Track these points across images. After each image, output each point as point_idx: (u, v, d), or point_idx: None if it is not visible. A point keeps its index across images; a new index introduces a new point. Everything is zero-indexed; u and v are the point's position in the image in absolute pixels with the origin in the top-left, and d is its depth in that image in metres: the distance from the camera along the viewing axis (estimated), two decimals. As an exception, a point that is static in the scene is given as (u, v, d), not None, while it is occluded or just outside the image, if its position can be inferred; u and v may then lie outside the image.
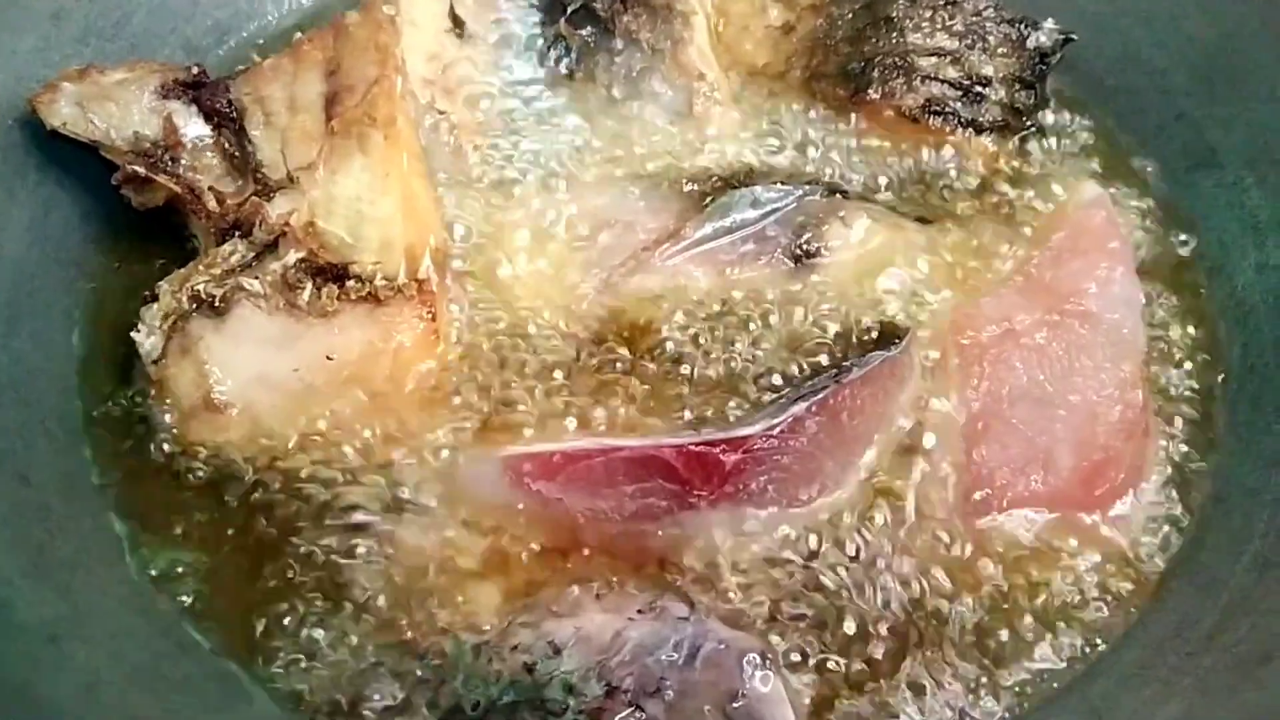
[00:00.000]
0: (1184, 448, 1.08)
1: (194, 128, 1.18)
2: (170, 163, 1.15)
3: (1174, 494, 1.05)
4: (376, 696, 0.90)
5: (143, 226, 1.18)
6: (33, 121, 1.14)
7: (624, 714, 0.85)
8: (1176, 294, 1.17)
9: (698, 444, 0.99)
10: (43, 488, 0.99)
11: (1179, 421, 1.09)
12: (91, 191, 1.18)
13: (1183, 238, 1.21)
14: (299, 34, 1.31)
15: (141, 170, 1.14)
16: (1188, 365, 1.13)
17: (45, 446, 1.02)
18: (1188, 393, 1.11)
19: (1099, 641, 0.97)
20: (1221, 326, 1.15)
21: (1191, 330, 1.15)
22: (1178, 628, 0.95)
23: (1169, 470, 1.06)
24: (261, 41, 1.38)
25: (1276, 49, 1.18)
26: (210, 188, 1.14)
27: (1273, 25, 1.19)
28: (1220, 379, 1.12)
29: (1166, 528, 1.03)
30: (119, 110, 1.17)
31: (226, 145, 1.18)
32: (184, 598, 0.97)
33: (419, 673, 0.91)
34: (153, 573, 0.99)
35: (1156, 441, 1.06)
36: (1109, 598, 0.99)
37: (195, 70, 1.21)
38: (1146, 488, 1.04)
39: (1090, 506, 1.02)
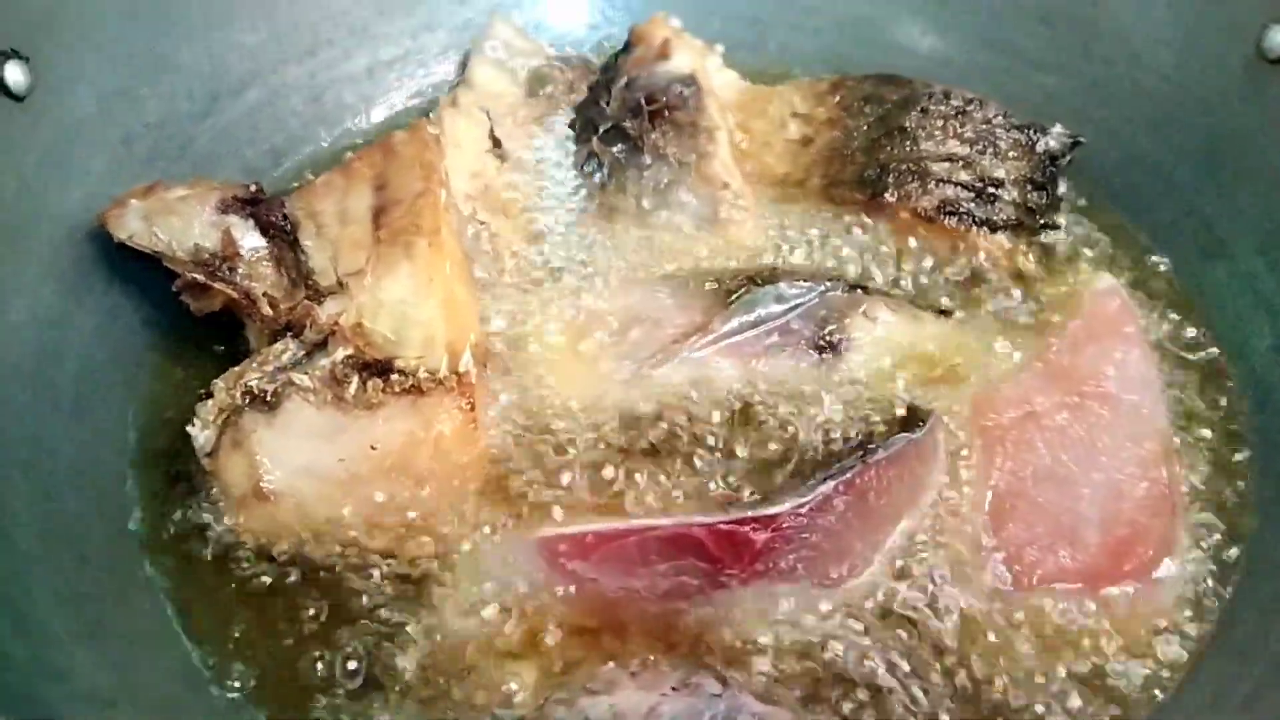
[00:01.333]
0: (1212, 522, 1.09)
1: (250, 240, 1.25)
2: (228, 271, 1.22)
3: (1204, 568, 1.05)
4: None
5: (200, 331, 1.25)
6: (101, 235, 1.22)
7: (659, 786, 0.86)
8: (1196, 377, 1.20)
9: (728, 523, 1.01)
10: (100, 569, 1.03)
11: (1206, 497, 1.10)
12: (152, 299, 1.25)
13: (1198, 323, 1.25)
14: (348, 154, 1.41)
15: (201, 278, 1.21)
16: (1211, 444, 1.15)
17: (103, 532, 1.07)
18: (1213, 470, 1.13)
19: (1136, 716, 0.96)
20: (1242, 406, 1.17)
21: (1213, 410, 1.17)
22: (1214, 700, 0.95)
23: (1198, 545, 1.06)
24: (313, 164, 1.47)
25: (1276, 142, 1.23)
26: (264, 293, 1.21)
27: (1271, 121, 1.25)
28: (1244, 456, 1.13)
29: (1198, 601, 1.03)
30: (181, 224, 1.24)
31: (280, 255, 1.25)
32: (233, 680, 1.00)
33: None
34: (204, 654, 1.01)
35: (1184, 517, 1.07)
36: (1143, 672, 0.99)
37: (253, 188, 1.29)
38: (1176, 562, 1.04)
39: (1121, 581, 1.03)
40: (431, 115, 1.49)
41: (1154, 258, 1.32)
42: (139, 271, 1.24)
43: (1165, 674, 0.99)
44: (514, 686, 0.96)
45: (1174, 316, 1.26)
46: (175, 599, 1.05)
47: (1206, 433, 1.16)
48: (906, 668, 0.99)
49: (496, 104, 1.50)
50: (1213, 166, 1.30)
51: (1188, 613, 1.02)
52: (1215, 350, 1.22)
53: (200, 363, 1.24)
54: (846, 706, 0.96)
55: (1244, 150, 1.27)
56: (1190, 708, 0.95)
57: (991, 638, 1.01)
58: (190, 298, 1.23)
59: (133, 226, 1.23)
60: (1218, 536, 1.08)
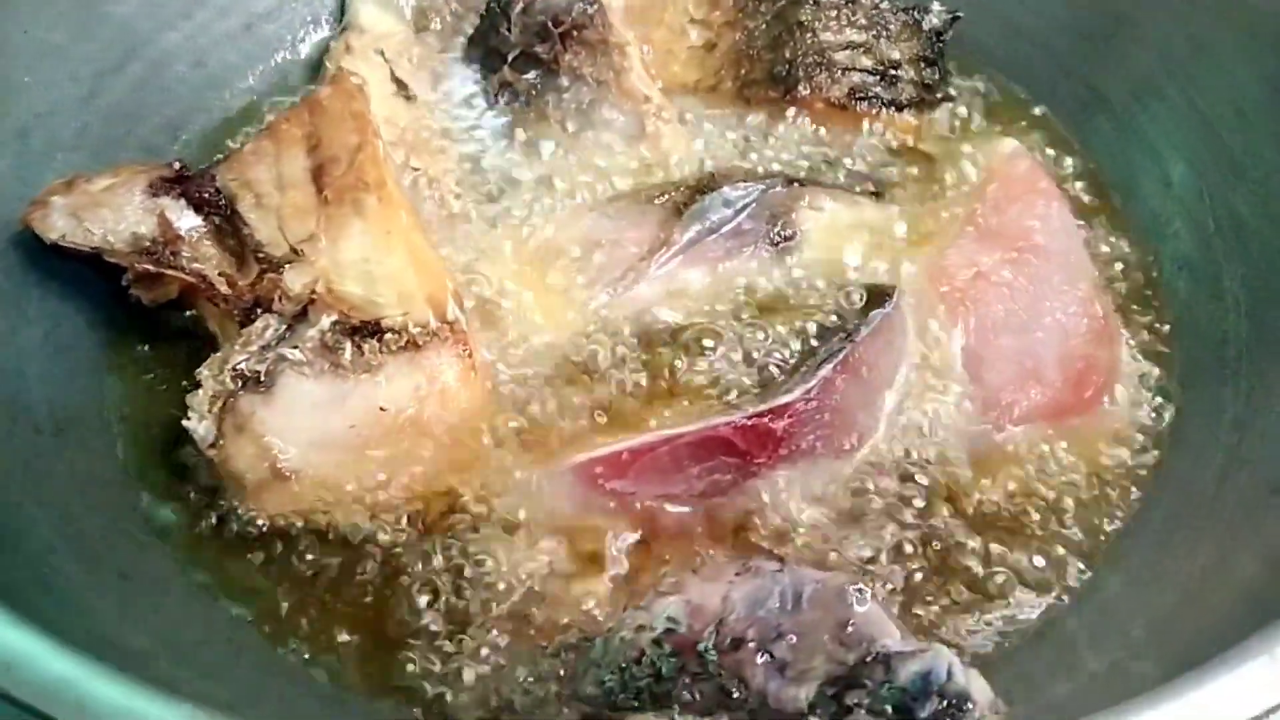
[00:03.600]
0: (1144, 342, 1.24)
1: (186, 220, 1.20)
2: (172, 257, 1.17)
3: (1150, 383, 1.21)
4: (526, 696, 0.96)
5: (152, 323, 1.20)
6: (27, 239, 1.15)
7: (760, 661, 0.93)
8: (1102, 220, 1.34)
9: (749, 417, 1.08)
10: (145, 581, 1.01)
11: (1136, 321, 1.26)
12: (95, 298, 1.20)
13: (1094, 171, 1.39)
14: (249, 121, 1.37)
15: (150, 267, 1.16)
16: (1129, 275, 1.30)
17: (130, 544, 1.04)
18: (1135, 297, 1.28)
19: (1120, 515, 1.12)
20: (1147, 239, 1.32)
21: (1124, 247, 1.32)
22: (1186, 490, 1.11)
23: (1140, 364, 1.22)
24: (214, 130, 1.41)
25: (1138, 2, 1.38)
26: (220, 273, 1.17)
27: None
28: (1158, 279, 1.29)
29: (1152, 411, 1.19)
30: (112, 214, 1.18)
31: (221, 232, 1.21)
32: (316, 655, 1.01)
33: (558, 669, 0.97)
34: (278, 633, 1.02)
35: (1123, 342, 1.23)
36: (1121, 479, 1.14)
37: (177, 165, 1.23)
38: (1127, 383, 1.20)
39: (1085, 408, 1.17)
40: (326, 64, 1.45)
41: (1041, 114, 1.46)
42: (70, 273, 1.18)
43: (1140, 478, 1.14)
44: (589, 604, 1.01)
45: (1068, 166, 1.40)
46: (224, 596, 1.04)
47: (1120, 267, 1.31)
48: (924, 508, 1.10)
49: (388, 44, 1.47)
50: (1084, 29, 1.43)
51: (1147, 423, 1.18)
52: (1111, 193, 1.37)
53: (161, 355, 1.20)
54: (882, 555, 1.07)
55: (1111, 10, 1.41)
56: (1168, 502, 1.11)
57: (990, 471, 1.13)
58: (142, 290, 1.18)
59: (61, 226, 1.16)
60: (1155, 353, 1.23)
